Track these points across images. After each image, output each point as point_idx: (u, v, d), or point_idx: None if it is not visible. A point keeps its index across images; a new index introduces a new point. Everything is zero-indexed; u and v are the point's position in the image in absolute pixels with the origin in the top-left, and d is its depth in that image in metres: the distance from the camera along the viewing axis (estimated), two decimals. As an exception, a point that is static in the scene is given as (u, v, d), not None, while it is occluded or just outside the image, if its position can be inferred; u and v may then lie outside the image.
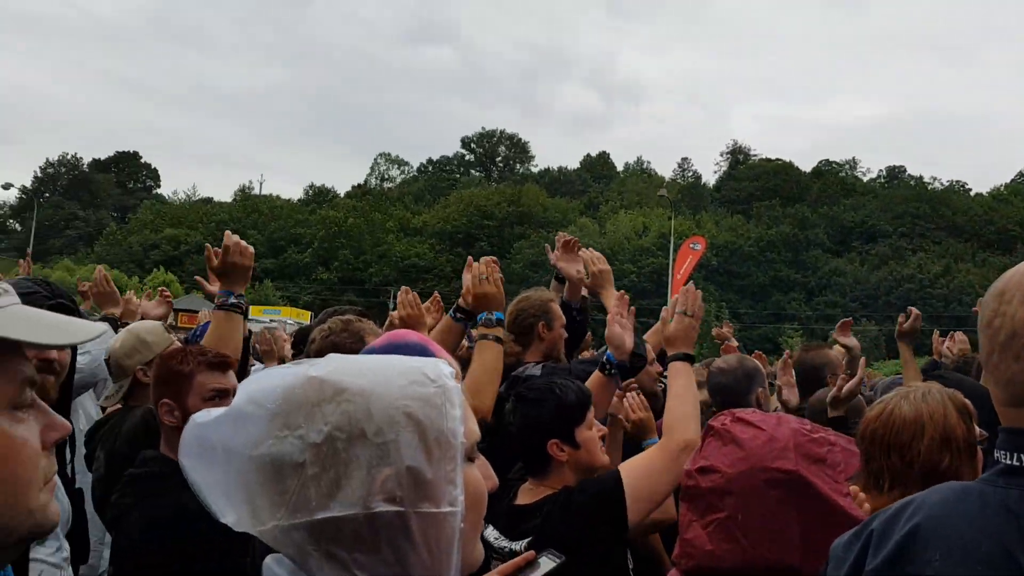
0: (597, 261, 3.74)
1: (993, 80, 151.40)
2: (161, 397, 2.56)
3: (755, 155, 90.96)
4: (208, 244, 3.18)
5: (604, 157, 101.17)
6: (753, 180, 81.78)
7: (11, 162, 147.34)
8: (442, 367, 1.08)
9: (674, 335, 2.72)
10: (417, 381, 1.04)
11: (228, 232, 3.04)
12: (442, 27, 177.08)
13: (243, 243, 3.01)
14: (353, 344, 2.81)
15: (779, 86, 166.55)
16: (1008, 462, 1.14)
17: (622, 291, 3.31)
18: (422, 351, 1.46)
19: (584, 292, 3.93)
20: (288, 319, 26.79)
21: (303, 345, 4.39)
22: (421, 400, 1.03)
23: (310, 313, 34.88)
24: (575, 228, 69.17)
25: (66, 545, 2.46)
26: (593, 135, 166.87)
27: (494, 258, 3.36)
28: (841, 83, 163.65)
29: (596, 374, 3.01)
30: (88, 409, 4.09)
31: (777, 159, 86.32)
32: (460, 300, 3.25)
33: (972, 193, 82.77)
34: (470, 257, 3.36)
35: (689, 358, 2.70)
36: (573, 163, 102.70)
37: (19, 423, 0.90)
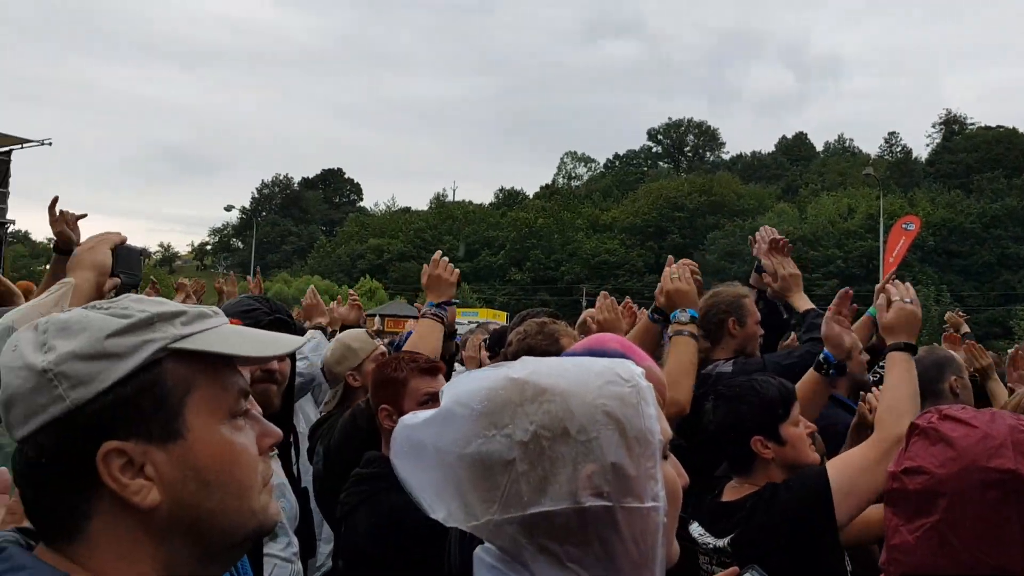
0: (786, 265, 3.67)
1: None
2: (380, 402, 2.72)
3: (973, 124, 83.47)
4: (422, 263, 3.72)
5: (801, 138, 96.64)
6: (972, 151, 75.03)
7: (232, 186, 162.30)
8: (633, 368, 1.11)
9: (894, 323, 2.57)
10: (613, 381, 1.08)
11: (437, 253, 3.57)
12: (624, 19, 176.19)
13: (446, 260, 3.47)
14: (548, 346, 2.91)
15: (995, 47, 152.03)
16: None
17: (847, 288, 3.27)
18: (622, 356, 1.49)
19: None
20: (486, 319, 27.59)
21: (499, 347, 4.55)
22: (618, 399, 1.06)
23: (506, 314, 35.81)
24: (772, 215, 66.55)
25: (295, 540, 2.67)
26: (788, 117, 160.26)
27: (690, 261, 3.42)
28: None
29: (811, 372, 2.95)
30: (308, 412, 4.41)
31: (999, 126, 78.68)
32: (655, 301, 3.26)
33: None
34: (670, 256, 3.41)
35: (911, 348, 2.56)
36: (768, 147, 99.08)
37: (238, 431, 0.99)
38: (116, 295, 1.98)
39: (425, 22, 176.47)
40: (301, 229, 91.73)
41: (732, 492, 2.52)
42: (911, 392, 2.48)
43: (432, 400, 2.63)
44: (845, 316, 3.06)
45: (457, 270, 3.49)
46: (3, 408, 0.92)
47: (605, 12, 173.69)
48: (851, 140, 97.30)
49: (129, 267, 2.22)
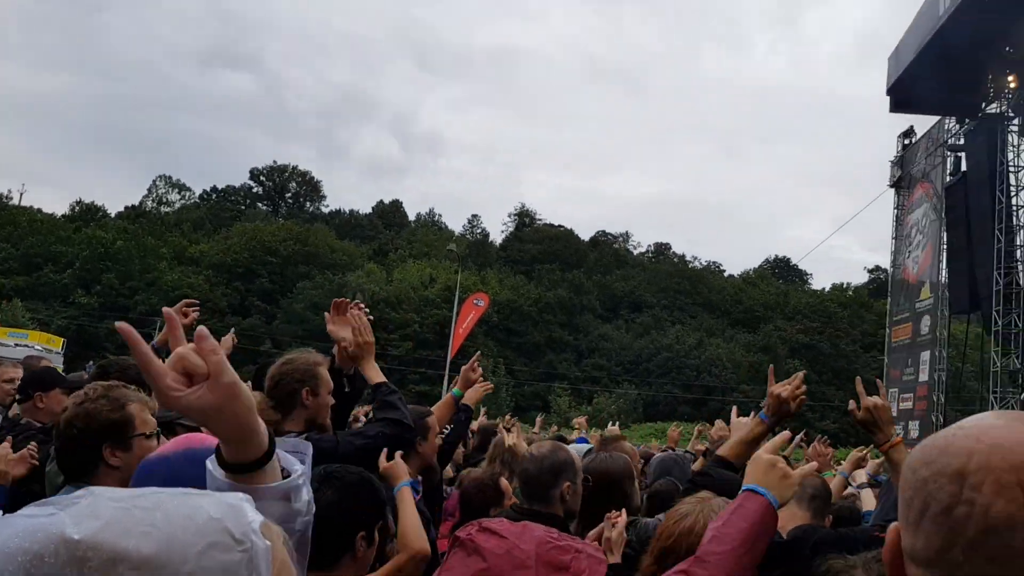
0: (364, 332, 3.51)
1: (753, 175, 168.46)
2: None
3: (540, 220, 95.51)
4: None
5: (397, 205, 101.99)
6: (537, 243, 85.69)
7: None
8: (248, 516, 0.86)
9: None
10: (218, 544, 0.81)
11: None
12: (246, 51, 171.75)
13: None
14: (110, 413, 2.54)
15: (568, 157, 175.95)
16: None
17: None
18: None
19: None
20: (37, 344, 24.66)
21: (35, 388, 4.10)
22: (221, 572, 0.80)
23: (63, 340, 32.30)
24: (362, 273, 69.09)
25: None
26: (388, 183, 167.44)
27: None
28: (622, 160, 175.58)
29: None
30: None
31: (560, 226, 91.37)
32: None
33: (726, 274, 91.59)
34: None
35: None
36: (366, 208, 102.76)
37: None
38: None
39: (25, 3, 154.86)
40: None
41: None
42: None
43: None
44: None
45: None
46: None
47: (227, 39, 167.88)
48: (440, 216, 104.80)
49: None
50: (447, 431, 4.56)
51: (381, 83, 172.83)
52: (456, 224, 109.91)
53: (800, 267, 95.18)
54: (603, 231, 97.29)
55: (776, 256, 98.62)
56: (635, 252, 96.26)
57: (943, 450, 0.97)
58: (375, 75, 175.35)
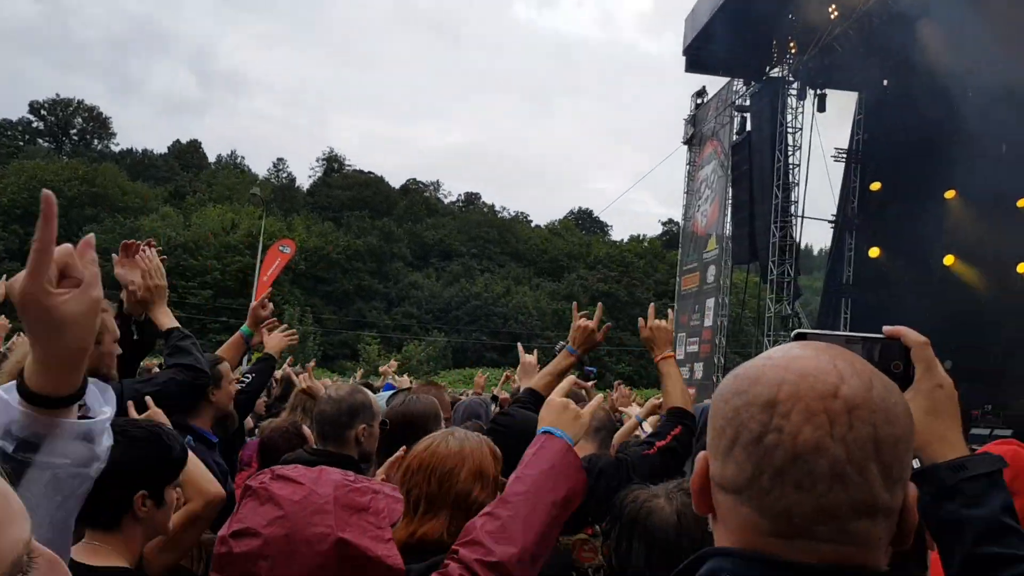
0: (155, 275, 3.32)
1: (560, 128, 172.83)
2: None
3: (350, 166, 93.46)
4: None
5: (196, 145, 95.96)
6: (346, 190, 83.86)
7: None
8: None
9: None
10: None
11: None
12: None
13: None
14: None
15: (379, 102, 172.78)
16: None
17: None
18: None
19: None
20: None
21: None
22: None
23: None
24: (157, 217, 64.93)
25: None
26: (186, 122, 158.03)
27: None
28: (435, 108, 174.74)
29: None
30: None
31: (370, 172, 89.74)
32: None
33: (532, 224, 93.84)
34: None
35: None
36: (160, 148, 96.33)
37: None
38: None
39: None
40: None
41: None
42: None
43: None
44: None
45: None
46: None
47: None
48: (243, 158, 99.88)
49: None
50: (247, 380, 4.44)
51: (178, 15, 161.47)
52: (260, 168, 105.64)
53: (601, 219, 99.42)
54: (414, 179, 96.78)
55: (580, 208, 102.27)
56: (446, 201, 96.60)
57: (754, 380, 0.99)
58: (172, 5, 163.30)
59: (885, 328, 1.19)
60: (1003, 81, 15.22)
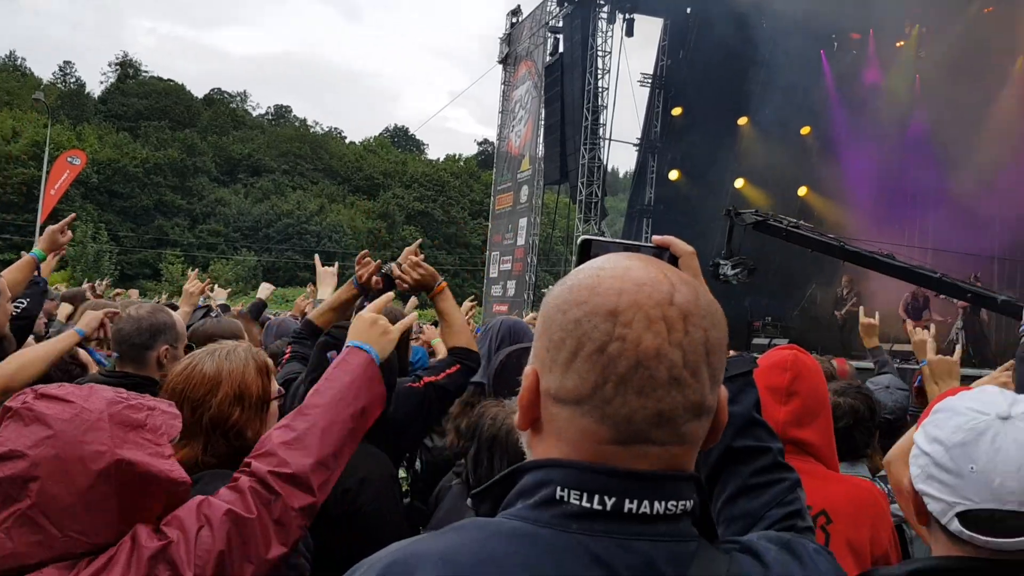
0: None
1: (377, 41, 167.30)
2: None
3: (147, 72, 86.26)
4: None
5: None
6: (143, 98, 77.54)
7: None
8: None
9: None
10: None
11: None
12: None
13: None
14: None
15: (178, 4, 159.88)
16: (588, 505, 0.96)
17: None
18: None
19: None
20: None
21: None
22: None
23: None
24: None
25: None
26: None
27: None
28: (240, 13, 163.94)
29: None
30: None
31: (169, 80, 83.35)
32: None
33: (347, 141, 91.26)
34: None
35: None
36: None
37: None
38: None
39: None
40: None
41: None
42: None
43: None
44: None
45: None
46: None
47: None
48: (24, 60, 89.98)
49: None
50: (22, 305, 4.11)
51: None
52: (44, 71, 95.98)
53: (417, 137, 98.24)
54: (218, 89, 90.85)
55: (396, 125, 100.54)
56: (254, 113, 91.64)
57: (593, 290, 0.99)
58: None
59: (655, 238, 1.26)
60: (794, 12, 16.25)
